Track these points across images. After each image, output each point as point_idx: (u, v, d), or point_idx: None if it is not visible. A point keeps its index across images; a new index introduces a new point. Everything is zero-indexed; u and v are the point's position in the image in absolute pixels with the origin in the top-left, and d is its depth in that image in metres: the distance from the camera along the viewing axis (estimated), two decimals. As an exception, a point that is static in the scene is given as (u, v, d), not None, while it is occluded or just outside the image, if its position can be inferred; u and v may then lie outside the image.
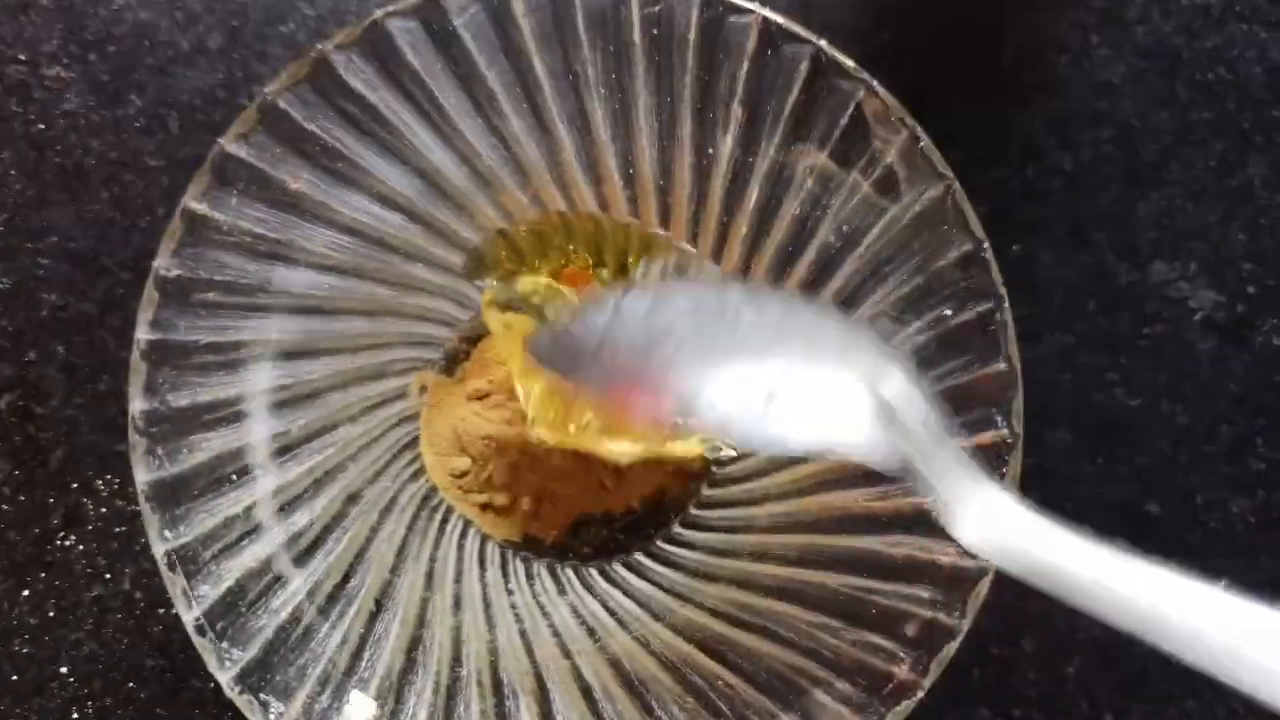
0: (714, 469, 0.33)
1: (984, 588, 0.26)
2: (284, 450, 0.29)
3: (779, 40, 0.28)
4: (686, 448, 0.31)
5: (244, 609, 0.27)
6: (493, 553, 0.32)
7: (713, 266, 0.32)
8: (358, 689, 0.27)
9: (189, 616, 0.26)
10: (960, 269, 0.27)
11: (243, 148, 0.27)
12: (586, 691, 0.29)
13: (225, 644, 0.26)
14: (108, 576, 0.34)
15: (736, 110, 0.29)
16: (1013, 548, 0.20)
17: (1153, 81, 0.37)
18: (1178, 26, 0.37)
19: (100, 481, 0.34)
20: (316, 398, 0.30)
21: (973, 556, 0.27)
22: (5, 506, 0.34)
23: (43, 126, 0.36)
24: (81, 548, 0.34)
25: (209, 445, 0.27)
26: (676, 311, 0.24)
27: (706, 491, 0.32)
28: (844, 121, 0.28)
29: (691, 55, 0.28)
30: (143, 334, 0.27)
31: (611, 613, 0.31)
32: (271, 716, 0.26)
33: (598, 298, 0.27)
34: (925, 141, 0.27)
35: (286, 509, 0.28)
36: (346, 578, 0.29)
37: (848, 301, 0.30)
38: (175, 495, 0.27)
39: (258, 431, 0.28)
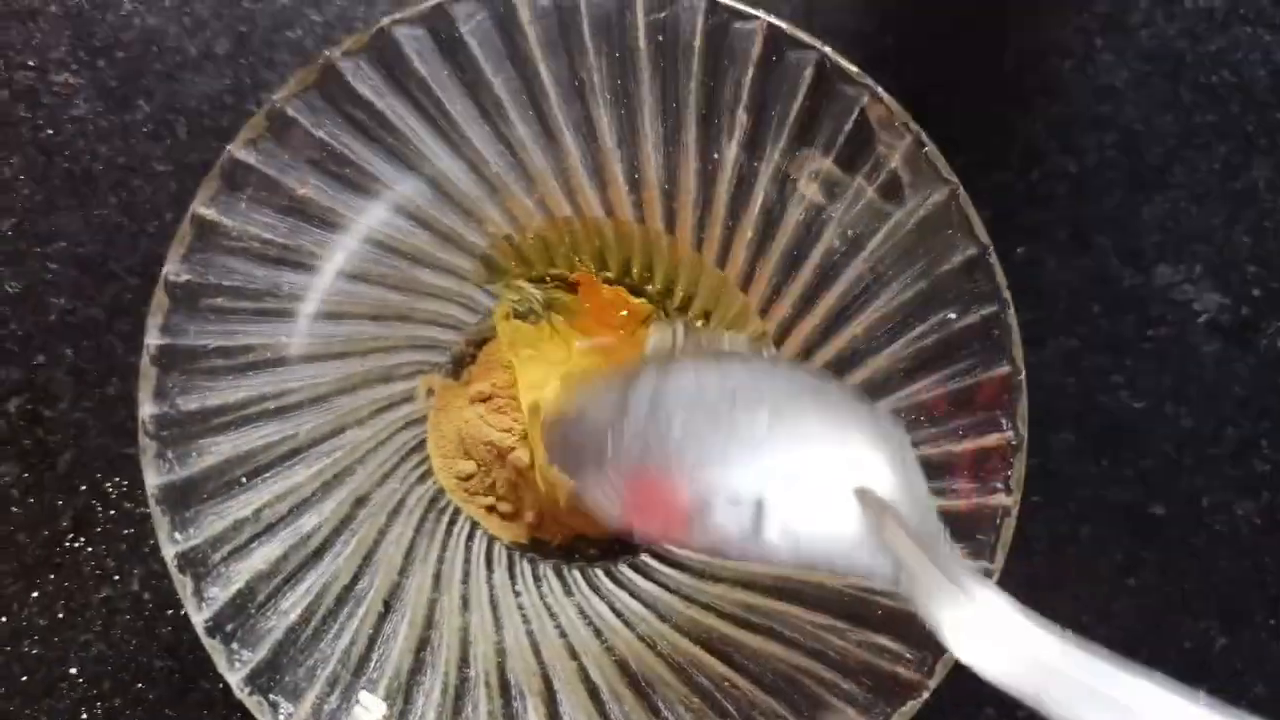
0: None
1: (988, 590, 0.26)
2: (293, 453, 0.29)
3: (784, 46, 0.28)
4: None
5: (253, 611, 0.27)
6: (500, 554, 0.32)
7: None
8: (366, 690, 0.28)
9: (199, 618, 0.26)
10: (965, 273, 0.28)
11: (251, 154, 0.28)
12: (593, 692, 0.29)
13: (235, 645, 0.26)
14: (116, 578, 0.34)
15: (741, 116, 0.29)
16: (1011, 667, 0.18)
17: (1156, 85, 0.37)
18: (1181, 30, 0.37)
19: (109, 484, 0.35)
20: (325, 401, 0.30)
21: (978, 558, 0.27)
22: (14, 509, 0.35)
23: (51, 132, 0.36)
24: (90, 550, 0.34)
25: (218, 449, 0.28)
26: (676, 403, 0.24)
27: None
28: (848, 127, 0.28)
29: (696, 61, 0.28)
30: (152, 339, 0.27)
31: (618, 614, 0.31)
32: (281, 717, 0.26)
33: (601, 386, 0.27)
34: (930, 146, 0.27)
35: (295, 511, 0.29)
36: (355, 579, 0.29)
37: (851, 305, 0.30)
38: (185, 498, 0.27)
39: (267, 435, 0.29)
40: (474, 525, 0.32)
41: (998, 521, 0.27)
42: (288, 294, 0.29)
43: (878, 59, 0.36)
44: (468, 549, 0.32)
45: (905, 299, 0.29)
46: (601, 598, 0.31)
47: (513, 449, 0.32)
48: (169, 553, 0.26)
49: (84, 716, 0.34)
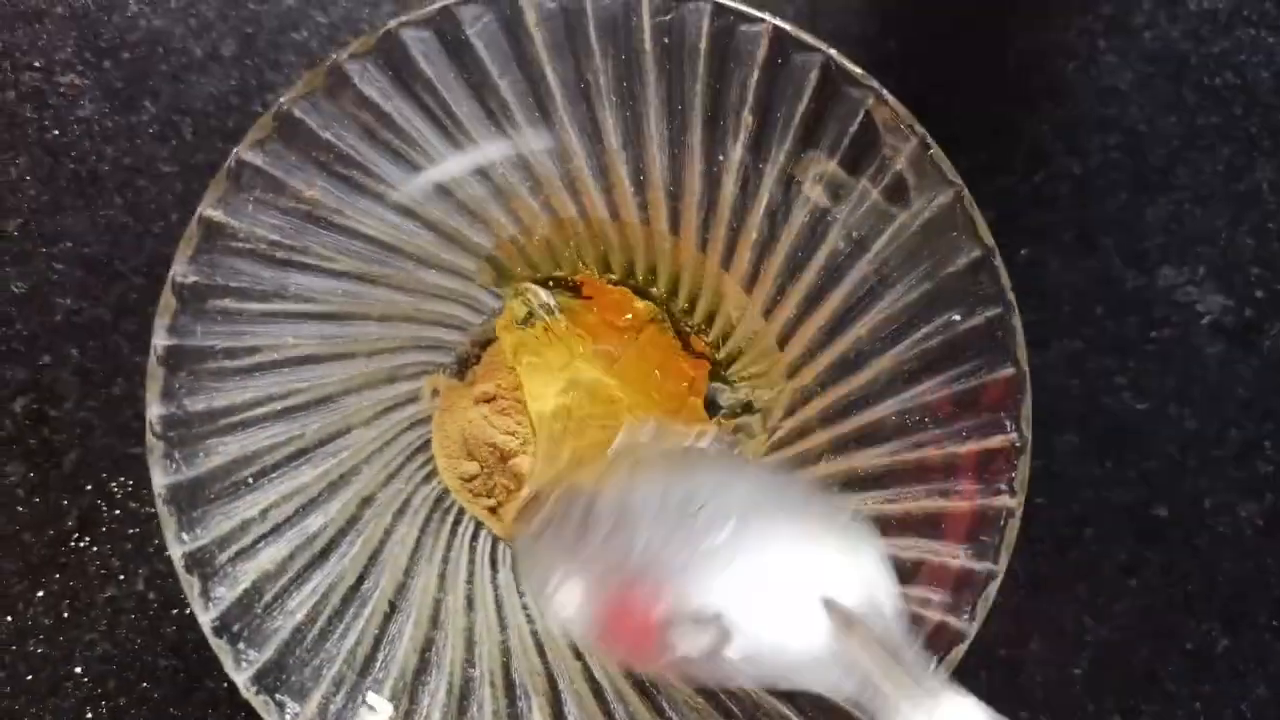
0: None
1: (993, 591, 0.27)
2: (299, 454, 0.29)
3: (789, 49, 0.28)
4: None
5: (260, 611, 0.27)
6: (504, 554, 0.32)
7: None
8: (373, 690, 0.28)
9: (206, 618, 0.26)
10: (969, 275, 0.28)
11: (258, 155, 0.28)
12: (598, 692, 0.29)
13: (242, 645, 0.27)
14: (121, 578, 0.34)
15: (747, 118, 0.29)
16: None
17: (1160, 87, 0.37)
18: (1185, 32, 0.37)
19: (114, 484, 0.35)
20: (331, 401, 0.30)
21: (982, 559, 0.27)
22: (20, 508, 0.35)
23: (57, 133, 0.36)
24: (95, 549, 0.34)
25: (225, 449, 0.28)
26: (640, 515, 0.24)
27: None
28: (853, 129, 0.28)
29: (702, 64, 0.29)
30: (160, 340, 0.27)
31: (622, 615, 0.31)
32: (287, 717, 0.26)
33: (570, 494, 0.27)
34: (935, 149, 0.28)
35: (302, 512, 0.29)
36: (361, 580, 0.29)
37: (855, 307, 0.30)
38: (192, 498, 0.27)
39: (273, 435, 0.29)
40: (478, 525, 0.32)
41: (1001, 523, 0.27)
42: (294, 295, 0.29)
43: (882, 61, 0.36)
44: (472, 549, 0.32)
45: (910, 300, 0.29)
46: (606, 598, 0.31)
47: (515, 454, 0.32)
48: (176, 553, 0.26)
49: (89, 716, 0.34)
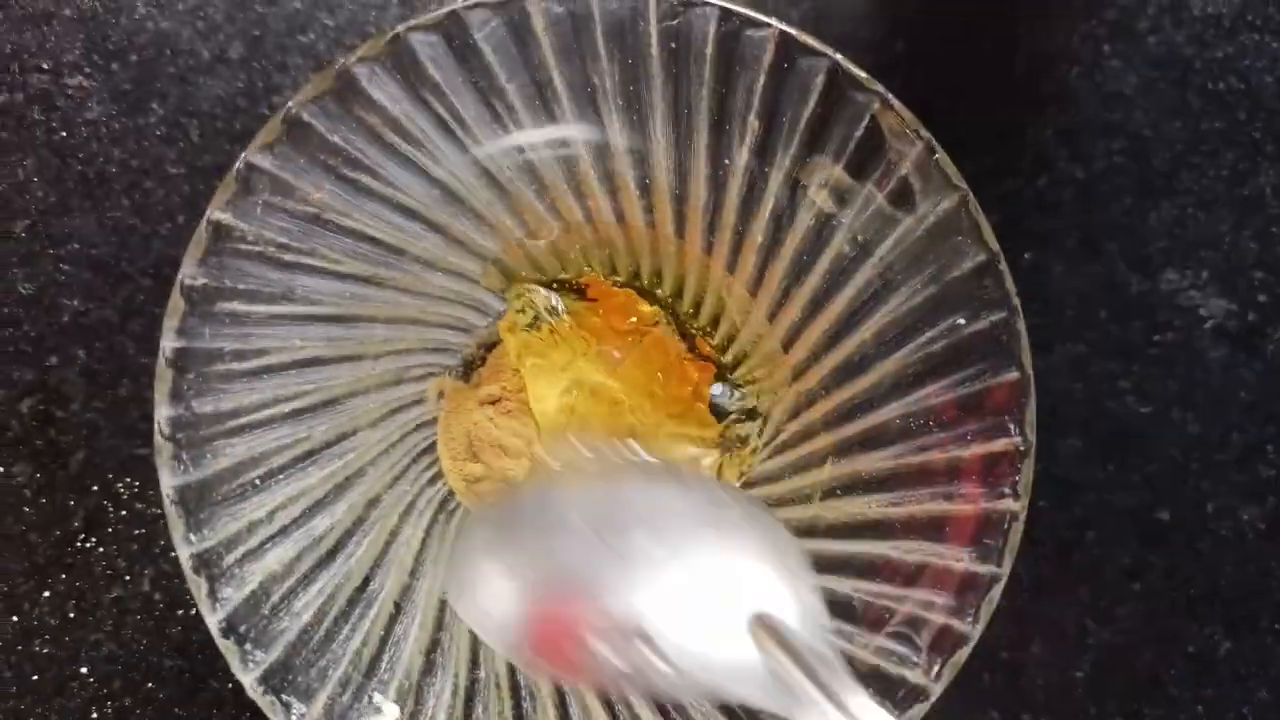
0: (725, 474, 0.33)
1: (996, 594, 0.27)
2: (306, 455, 0.29)
3: (795, 53, 0.28)
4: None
5: (267, 611, 0.27)
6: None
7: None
8: (378, 691, 0.28)
9: (214, 619, 0.27)
10: (974, 279, 0.28)
11: (267, 158, 0.28)
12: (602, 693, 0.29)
13: (249, 646, 0.27)
14: (127, 578, 0.34)
15: (753, 122, 0.29)
16: None
17: (1164, 91, 0.37)
18: (1189, 37, 0.37)
19: (120, 485, 0.35)
20: (338, 403, 0.30)
21: (986, 562, 0.27)
22: (26, 509, 0.35)
23: (65, 134, 0.36)
24: (101, 550, 0.35)
25: (233, 450, 0.28)
26: (575, 523, 0.24)
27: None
28: (859, 133, 0.28)
29: (708, 68, 0.29)
30: (168, 341, 0.27)
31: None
32: (293, 717, 0.27)
33: (489, 506, 0.27)
34: (940, 153, 0.28)
35: (308, 513, 0.29)
36: (366, 581, 0.29)
37: (860, 311, 0.30)
38: (200, 500, 0.27)
39: (280, 437, 0.29)
40: (483, 527, 0.33)
41: (1005, 526, 0.27)
42: (302, 297, 0.29)
43: (888, 66, 0.36)
44: (477, 551, 0.32)
45: (914, 304, 0.29)
46: (610, 600, 0.32)
47: (520, 455, 0.32)
48: (184, 554, 0.27)
49: (94, 716, 0.34)
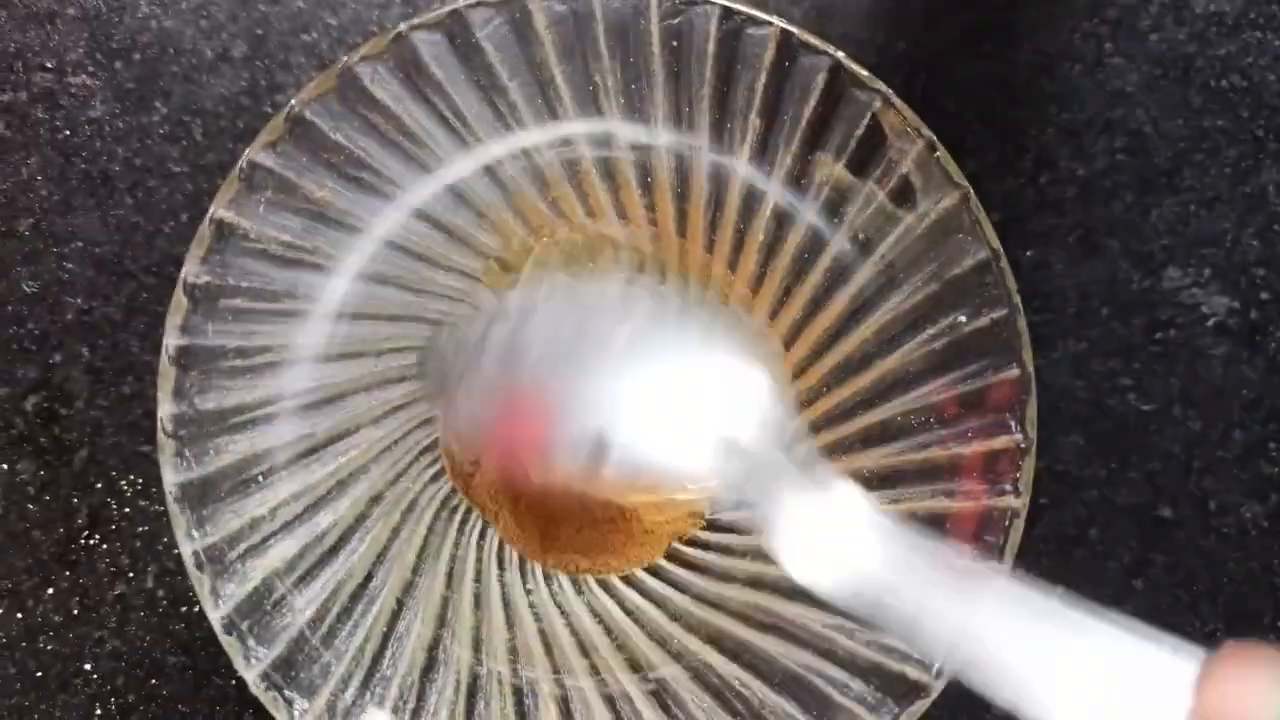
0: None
1: (997, 591, 0.27)
2: (309, 452, 0.29)
3: (796, 52, 0.28)
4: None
5: (269, 608, 0.27)
6: (511, 553, 0.32)
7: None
8: (380, 687, 0.28)
9: (215, 615, 0.27)
10: (975, 277, 0.28)
11: (270, 157, 0.28)
12: (605, 691, 0.29)
13: (251, 642, 0.27)
14: (131, 575, 0.35)
15: (754, 120, 0.29)
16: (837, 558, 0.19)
17: (1166, 89, 0.37)
18: (1191, 34, 0.37)
19: (124, 482, 0.35)
20: (340, 400, 0.30)
21: (987, 559, 0.27)
22: (30, 506, 0.35)
23: (69, 133, 0.36)
24: (105, 547, 0.35)
25: (235, 447, 0.28)
26: (543, 316, 0.24)
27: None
28: (860, 131, 0.28)
29: (710, 66, 0.29)
30: (171, 339, 0.27)
31: (628, 612, 0.31)
32: (296, 713, 0.27)
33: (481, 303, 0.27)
34: (941, 151, 0.28)
35: (310, 510, 0.29)
36: (369, 577, 0.29)
37: (862, 308, 0.30)
38: (202, 496, 0.27)
39: (283, 434, 0.29)
40: (485, 525, 0.33)
41: (1006, 524, 0.27)
42: (304, 295, 0.29)
43: (889, 64, 0.36)
44: (479, 548, 0.32)
45: (915, 302, 0.29)
46: (612, 596, 0.32)
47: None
48: (186, 550, 0.27)
49: (98, 712, 0.34)
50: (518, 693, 0.29)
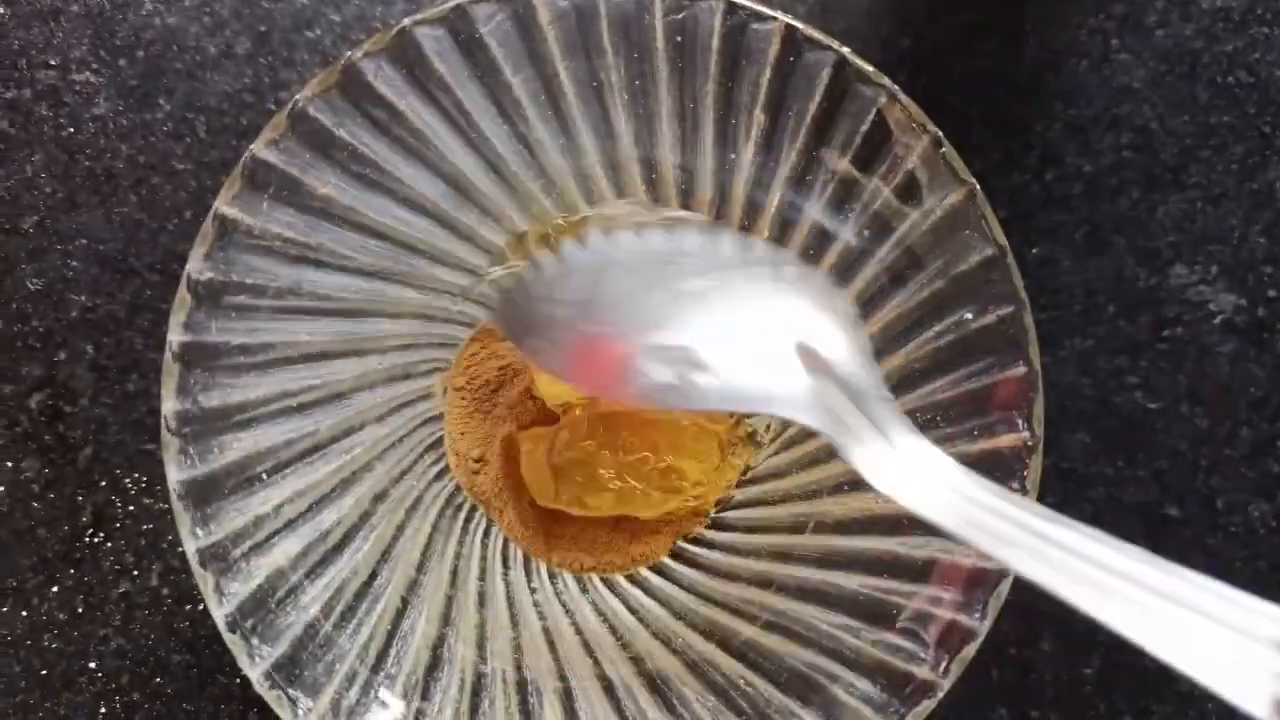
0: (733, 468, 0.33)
1: (1005, 589, 0.27)
2: (313, 450, 0.29)
3: (801, 47, 0.28)
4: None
5: (273, 606, 0.27)
6: (515, 551, 0.32)
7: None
8: (385, 686, 0.28)
9: (220, 613, 0.27)
10: (982, 274, 0.28)
11: (273, 153, 0.28)
12: (609, 689, 0.29)
13: (255, 641, 0.27)
14: (135, 573, 0.35)
15: (759, 116, 0.29)
16: (931, 492, 0.19)
17: (1173, 85, 0.37)
18: (1198, 30, 0.37)
19: (128, 480, 0.35)
20: (344, 398, 0.30)
21: (993, 558, 0.27)
22: (35, 504, 0.35)
23: (72, 130, 0.36)
24: (110, 545, 0.35)
25: (240, 445, 0.28)
26: (618, 259, 0.24)
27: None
28: (865, 127, 0.28)
29: (714, 62, 0.29)
30: (175, 336, 0.27)
31: (633, 611, 0.31)
32: (300, 712, 0.27)
33: (548, 251, 0.28)
34: (947, 147, 0.28)
35: (315, 507, 0.29)
36: (373, 575, 0.29)
37: (868, 305, 0.30)
38: (206, 494, 0.27)
39: (287, 431, 0.29)
40: (489, 522, 0.33)
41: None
42: (308, 292, 0.29)
43: (894, 60, 0.36)
44: (484, 545, 0.32)
45: (922, 299, 0.29)
46: (616, 595, 0.32)
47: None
48: (190, 548, 0.27)
49: (103, 710, 0.34)
50: (522, 691, 0.29)
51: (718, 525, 0.32)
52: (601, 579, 0.32)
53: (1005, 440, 0.27)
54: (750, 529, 0.32)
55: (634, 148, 0.30)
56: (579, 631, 0.31)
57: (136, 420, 0.35)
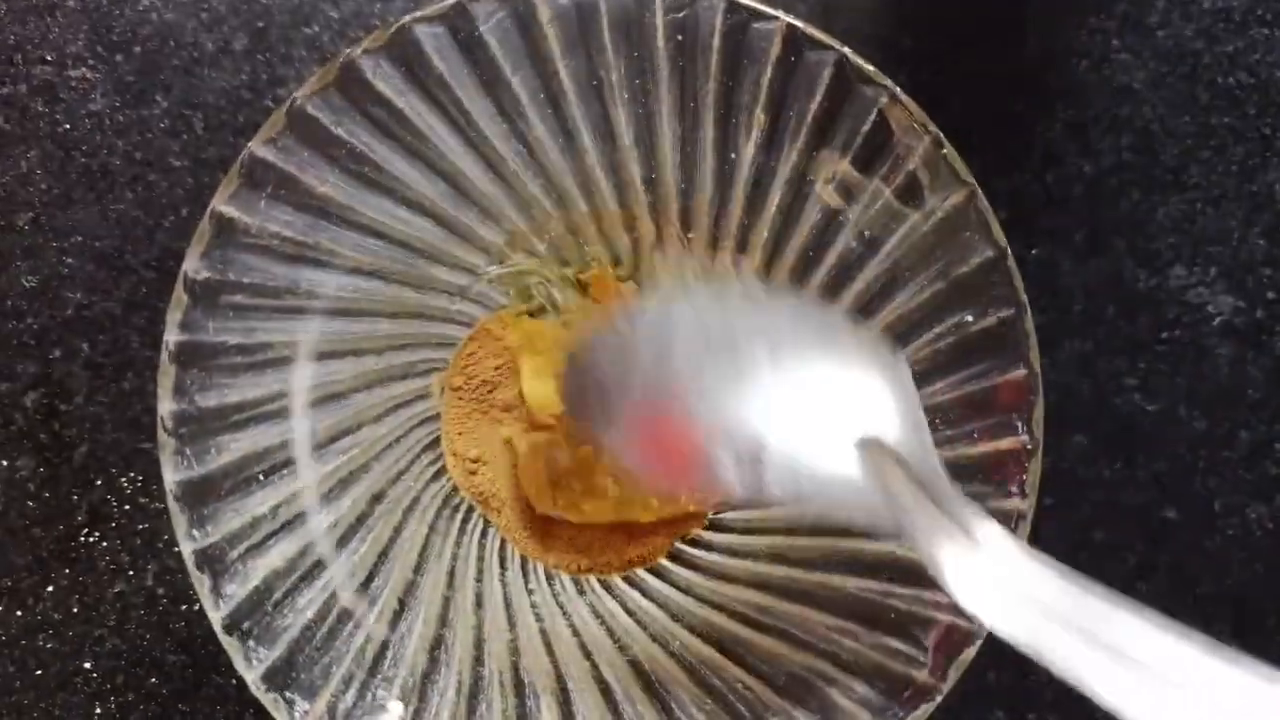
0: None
1: (1003, 593, 0.26)
2: (310, 450, 0.29)
3: (803, 46, 0.28)
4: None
5: (270, 608, 0.27)
6: (513, 552, 0.32)
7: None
8: (382, 688, 0.28)
9: (217, 615, 0.26)
10: (982, 276, 0.27)
11: (271, 151, 0.28)
12: (606, 691, 0.29)
13: (252, 643, 0.27)
14: (130, 573, 0.34)
15: (759, 116, 0.29)
16: (1011, 614, 0.17)
17: (1173, 86, 0.37)
18: (1199, 31, 0.37)
19: (124, 479, 0.35)
20: (342, 398, 0.30)
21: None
22: (30, 503, 0.35)
23: (68, 127, 0.36)
24: (105, 544, 0.35)
25: (236, 445, 0.28)
26: (677, 342, 0.24)
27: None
28: (866, 128, 0.28)
29: (715, 61, 0.28)
30: (172, 336, 0.27)
31: (630, 613, 0.31)
32: (297, 714, 0.26)
33: (607, 327, 0.27)
34: (948, 148, 0.27)
35: (312, 509, 0.29)
36: (370, 577, 0.29)
37: (867, 307, 0.30)
38: (203, 495, 0.27)
39: (284, 432, 0.29)
40: (487, 523, 0.32)
41: (1012, 526, 0.27)
42: (306, 291, 0.29)
43: (895, 60, 0.36)
44: (481, 547, 0.32)
45: (922, 300, 0.29)
46: (614, 597, 0.31)
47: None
48: (187, 550, 0.26)
49: (98, 711, 0.34)
50: (519, 693, 0.29)
51: (715, 527, 0.32)
52: (599, 580, 0.32)
53: (1005, 444, 0.27)
54: (748, 530, 0.32)
55: (634, 147, 0.30)
56: (576, 633, 0.30)
57: (132, 419, 0.35)
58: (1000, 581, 0.18)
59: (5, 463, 0.35)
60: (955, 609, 0.27)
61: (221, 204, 0.27)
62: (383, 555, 0.30)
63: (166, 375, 0.27)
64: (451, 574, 0.31)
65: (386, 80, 0.28)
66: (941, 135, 0.28)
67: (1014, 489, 0.27)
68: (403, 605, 0.29)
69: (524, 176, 0.31)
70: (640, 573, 0.32)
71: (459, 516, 0.32)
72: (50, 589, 0.34)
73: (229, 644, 0.26)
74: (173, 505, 0.27)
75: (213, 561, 0.27)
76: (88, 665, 0.34)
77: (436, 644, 0.29)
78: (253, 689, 0.26)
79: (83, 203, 0.36)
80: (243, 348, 0.28)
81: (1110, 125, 0.36)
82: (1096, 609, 0.16)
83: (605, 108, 0.30)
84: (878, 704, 0.27)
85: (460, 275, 0.32)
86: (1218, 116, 0.37)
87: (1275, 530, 0.35)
